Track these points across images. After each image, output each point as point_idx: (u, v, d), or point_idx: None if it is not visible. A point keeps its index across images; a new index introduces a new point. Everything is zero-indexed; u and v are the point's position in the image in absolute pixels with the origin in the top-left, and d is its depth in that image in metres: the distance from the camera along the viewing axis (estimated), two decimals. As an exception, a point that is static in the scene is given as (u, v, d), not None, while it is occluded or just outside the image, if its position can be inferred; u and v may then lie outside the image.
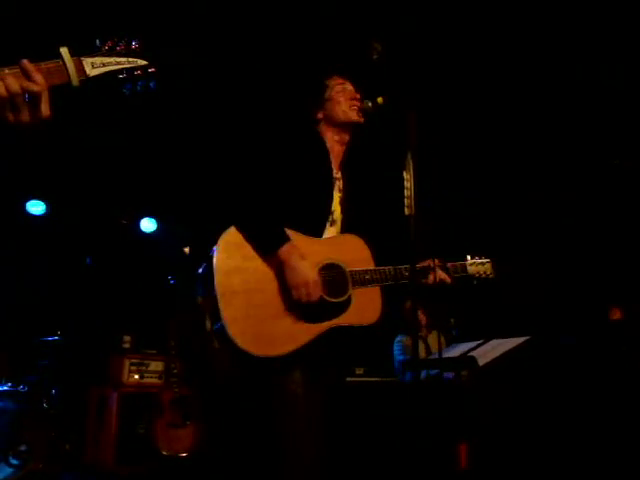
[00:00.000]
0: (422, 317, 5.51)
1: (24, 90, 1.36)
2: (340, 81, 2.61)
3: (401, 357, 5.34)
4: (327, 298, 2.29)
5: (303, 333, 2.22)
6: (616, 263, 5.57)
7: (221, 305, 2.12)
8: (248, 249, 2.23)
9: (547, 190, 5.90)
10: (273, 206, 2.30)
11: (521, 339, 4.09)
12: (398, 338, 5.46)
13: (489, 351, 4.12)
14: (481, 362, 4.00)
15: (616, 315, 5.01)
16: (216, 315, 2.13)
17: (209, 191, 2.39)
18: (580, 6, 4.37)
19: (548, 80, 5.01)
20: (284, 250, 2.22)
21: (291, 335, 2.20)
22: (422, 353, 5.23)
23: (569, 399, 4.18)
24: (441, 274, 2.53)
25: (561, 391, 4.25)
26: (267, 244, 2.25)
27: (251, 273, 2.21)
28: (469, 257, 2.67)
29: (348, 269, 2.37)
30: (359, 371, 5.34)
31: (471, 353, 4.13)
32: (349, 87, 2.60)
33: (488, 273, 2.66)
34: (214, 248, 2.20)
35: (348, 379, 5.08)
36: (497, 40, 4.70)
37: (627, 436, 3.86)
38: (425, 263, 2.52)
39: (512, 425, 4.14)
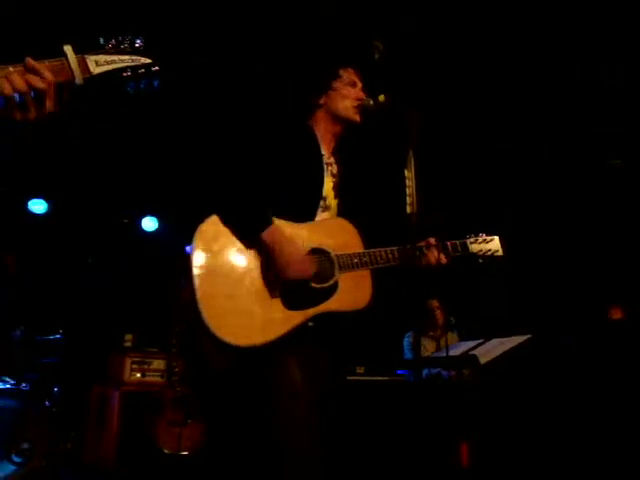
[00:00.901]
0: (440, 317, 5.47)
1: (30, 87, 1.37)
2: (353, 77, 2.57)
3: (410, 354, 5.33)
4: (310, 284, 2.24)
5: (286, 321, 2.17)
6: (617, 263, 5.57)
7: (200, 296, 2.09)
8: (226, 239, 2.19)
9: (548, 189, 5.90)
10: (256, 191, 2.24)
11: (522, 338, 4.10)
12: (409, 333, 5.44)
13: (490, 350, 4.13)
14: (482, 361, 4.01)
15: (617, 315, 5.00)
16: (195, 307, 2.08)
17: (194, 180, 2.35)
18: (580, 6, 4.37)
19: (548, 78, 5.01)
20: (268, 233, 2.18)
21: (273, 323, 2.15)
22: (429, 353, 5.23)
23: (570, 398, 4.19)
24: (436, 253, 2.42)
25: (562, 390, 4.25)
26: (249, 229, 2.20)
27: (230, 262, 2.17)
28: (472, 235, 2.54)
29: (335, 253, 2.31)
30: (360, 370, 5.34)
31: (472, 352, 4.15)
32: (359, 85, 2.56)
33: (494, 250, 2.53)
34: (193, 238, 2.15)
35: (349, 378, 5.08)
36: (498, 38, 4.70)
37: (627, 435, 3.86)
38: (421, 243, 2.43)
39: (513, 424, 4.14)
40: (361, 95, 2.54)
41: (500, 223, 5.90)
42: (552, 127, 5.48)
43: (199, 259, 2.14)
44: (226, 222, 2.21)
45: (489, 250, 2.53)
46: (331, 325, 2.34)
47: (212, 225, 2.20)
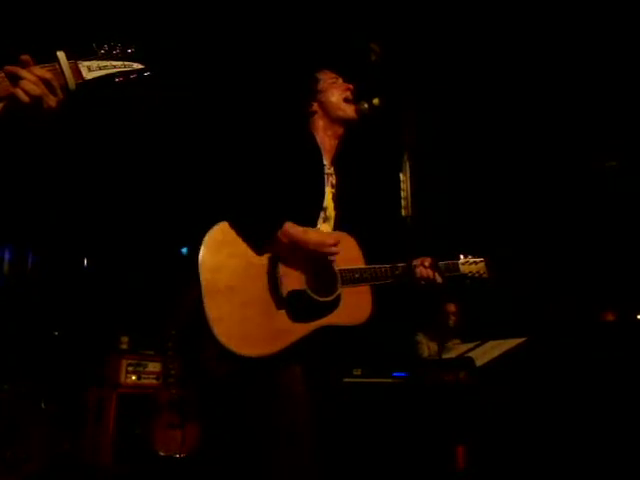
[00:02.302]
0: (453, 322, 5.43)
1: (41, 79, 1.40)
2: (331, 75, 2.60)
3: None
4: (315, 297, 2.25)
5: (290, 333, 2.18)
6: (611, 265, 5.58)
7: (206, 303, 2.08)
8: (234, 247, 2.19)
9: (544, 191, 5.91)
10: (265, 198, 2.26)
11: (518, 340, 4.11)
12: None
13: (486, 352, 4.14)
14: (478, 363, 4.02)
15: (609, 317, 5.01)
16: (201, 312, 2.08)
17: (201, 187, 2.35)
18: (579, 6, 4.37)
19: (546, 81, 5.02)
20: (283, 232, 2.19)
21: (277, 334, 2.16)
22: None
23: (566, 400, 4.19)
24: (432, 273, 2.49)
25: (558, 392, 4.26)
26: (264, 231, 2.21)
27: (237, 271, 2.17)
28: (462, 256, 2.66)
29: (337, 268, 2.33)
30: (357, 372, 5.34)
31: (468, 354, 4.15)
32: (340, 79, 2.59)
33: (482, 272, 2.65)
34: (200, 245, 2.16)
35: (346, 380, 5.08)
36: (495, 40, 4.70)
37: (625, 436, 3.86)
38: (417, 262, 2.48)
39: (510, 426, 4.15)
40: (347, 85, 2.57)
41: (496, 226, 5.94)
42: (548, 128, 5.49)
43: (208, 265, 2.14)
44: (240, 228, 2.21)
45: (477, 272, 2.65)
46: (329, 339, 2.35)
47: (221, 232, 2.20)
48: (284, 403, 2.14)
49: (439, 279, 2.50)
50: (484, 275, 2.65)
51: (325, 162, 2.53)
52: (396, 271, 2.42)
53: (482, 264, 2.66)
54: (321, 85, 2.57)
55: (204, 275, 2.11)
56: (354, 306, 2.35)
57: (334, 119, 2.55)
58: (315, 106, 2.56)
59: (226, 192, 2.26)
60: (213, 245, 2.17)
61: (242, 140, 2.49)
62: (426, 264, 2.49)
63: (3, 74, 1.41)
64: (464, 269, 2.63)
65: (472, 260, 2.65)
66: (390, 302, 2.52)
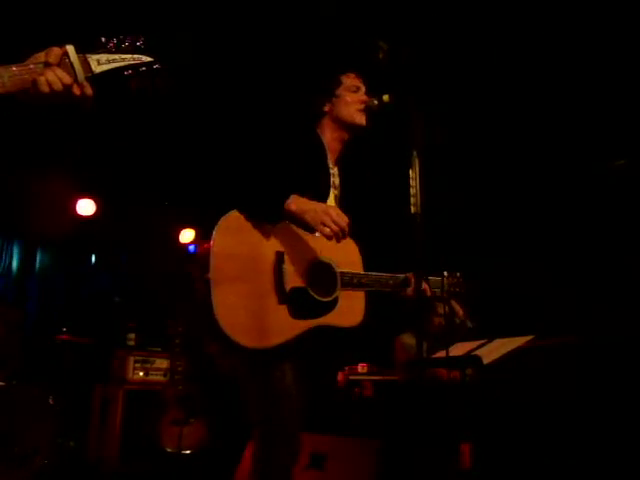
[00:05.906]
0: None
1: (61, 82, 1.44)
2: (355, 82, 2.58)
3: None
4: (315, 296, 2.29)
5: (289, 328, 2.21)
6: (620, 263, 5.56)
7: (213, 290, 2.09)
8: (244, 236, 2.21)
9: (553, 190, 5.89)
10: (274, 179, 2.29)
11: (526, 338, 4.09)
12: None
13: (493, 350, 4.12)
14: (486, 361, 4.00)
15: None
16: (207, 299, 2.10)
17: (209, 179, 2.37)
18: (582, 6, 4.36)
19: (553, 79, 5.00)
20: (290, 202, 2.23)
21: (278, 329, 2.19)
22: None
23: (574, 399, 4.18)
24: (427, 287, 2.56)
25: (566, 391, 4.25)
26: (272, 205, 2.24)
27: (245, 262, 2.19)
28: (446, 273, 2.74)
29: (338, 270, 2.37)
30: (362, 369, 5.34)
31: (475, 352, 4.14)
32: (362, 89, 2.57)
33: (458, 288, 2.77)
34: (212, 233, 2.17)
35: (351, 377, 5.09)
36: (506, 40, 4.69)
37: (631, 437, 3.85)
38: (411, 275, 2.55)
39: (516, 425, 4.14)
40: (365, 99, 2.55)
41: (504, 223, 5.92)
42: (558, 126, 5.47)
43: (218, 251, 2.15)
44: (247, 207, 2.22)
45: (455, 287, 2.77)
46: (324, 338, 2.38)
47: (234, 219, 2.21)
48: (274, 399, 2.19)
49: (428, 292, 2.60)
50: (461, 291, 2.78)
51: (329, 163, 2.54)
52: (390, 281, 2.51)
53: (460, 280, 2.78)
54: (340, 89, 2.56)
55: (214, 261, 2.13)
56: (349, 309, 2.40)
57: (342, 124, 2.56)
58: (327, 107, 2.57)
59: (231, 185, 2.27)
60: (225, 233, 2.18)
61: (247, 135, 2.51)
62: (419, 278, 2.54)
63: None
64: (446, 283, 2.73)
65: (452, 275, 2.76)
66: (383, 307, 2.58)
